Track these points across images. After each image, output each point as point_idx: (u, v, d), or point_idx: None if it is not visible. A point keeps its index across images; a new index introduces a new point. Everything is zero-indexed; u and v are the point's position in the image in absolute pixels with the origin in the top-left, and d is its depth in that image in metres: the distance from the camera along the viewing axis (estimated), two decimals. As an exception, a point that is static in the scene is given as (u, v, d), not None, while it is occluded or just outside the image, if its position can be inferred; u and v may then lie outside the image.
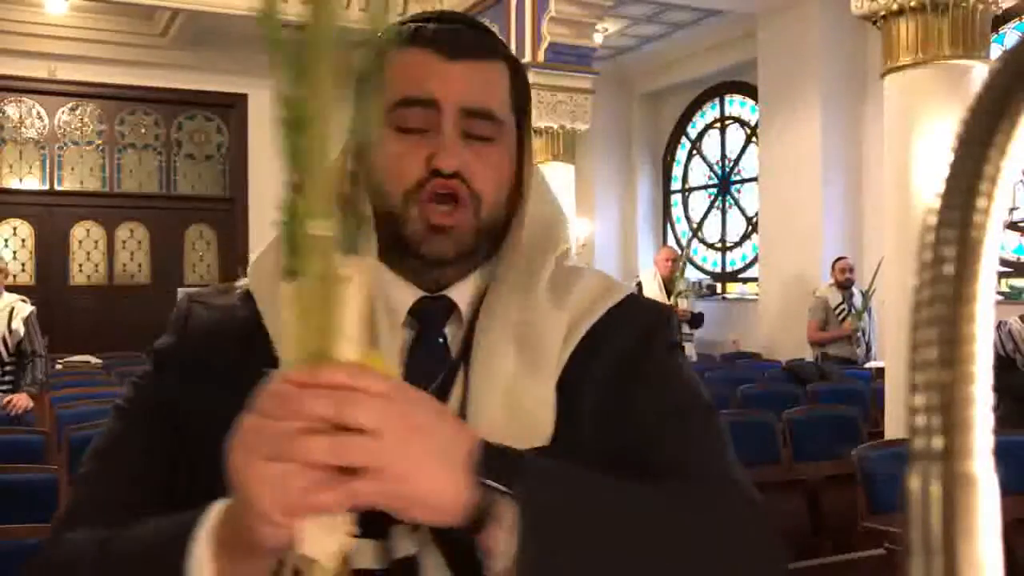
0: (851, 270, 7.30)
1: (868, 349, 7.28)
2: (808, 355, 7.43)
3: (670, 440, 0.87)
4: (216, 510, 0.70)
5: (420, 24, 0.90)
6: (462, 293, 0.91)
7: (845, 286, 7.27)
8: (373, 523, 0.74)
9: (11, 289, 5.51)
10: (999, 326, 4.73)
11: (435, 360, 0.88)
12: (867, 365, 6.99)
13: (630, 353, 0.89)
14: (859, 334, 7.21)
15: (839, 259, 7.41)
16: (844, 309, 7.24)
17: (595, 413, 0.86)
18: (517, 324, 0.87)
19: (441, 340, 0.90)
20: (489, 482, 0.68)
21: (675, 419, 0.88)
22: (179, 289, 10.36)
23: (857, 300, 7.23)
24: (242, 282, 0.93)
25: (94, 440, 0.93)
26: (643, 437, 0.86)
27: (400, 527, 0.78)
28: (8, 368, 5.17)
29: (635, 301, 0.95)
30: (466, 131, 0.87)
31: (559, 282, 0.91)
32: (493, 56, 0.90)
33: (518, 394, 0.84)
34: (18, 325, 5.19)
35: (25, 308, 5.28)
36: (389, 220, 0.87)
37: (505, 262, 0.91)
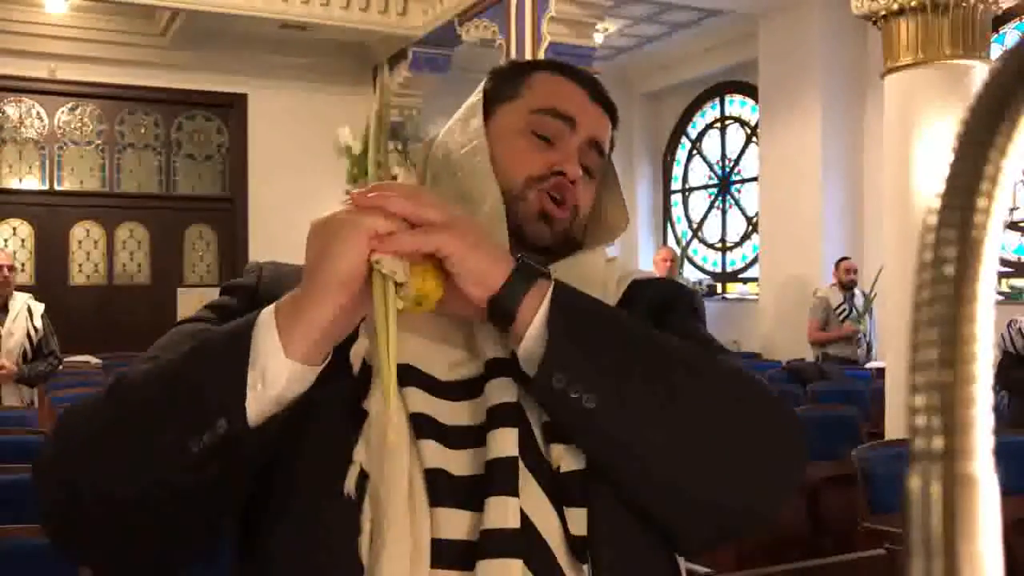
0: (855, 271, 7.31)
1: (868, 349, 7.28)
2: (808, 355, 7.43)
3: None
4: (270, 306, 0.83)
5: (568, 63, 1.13)
6: None
7: (848, 287, 7.27)
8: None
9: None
10: (1009, 324, 4.74)
11: None
12: (867, 365, 6.99)
13: (659, 306, 1.04)
14: (859, 335, 7.22)
15: (843, 259, 7.41)
16: (845, 309, 7.25)
17: None
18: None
19: None
20: (527, 260, 0.86)
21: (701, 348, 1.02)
22: (179, 289, 10.37)
23: (858, 301, 7.23)
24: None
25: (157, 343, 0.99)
26: None
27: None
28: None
29: (660, 279, 1.15)
30: (581, 160, 1.03)
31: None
32: (611, 111, 1.10)
33: None
34: (39, 323, 5.24)
35: (39, 306, 5.32)
36: (503, 198, 1.00)
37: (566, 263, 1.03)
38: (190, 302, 10.10)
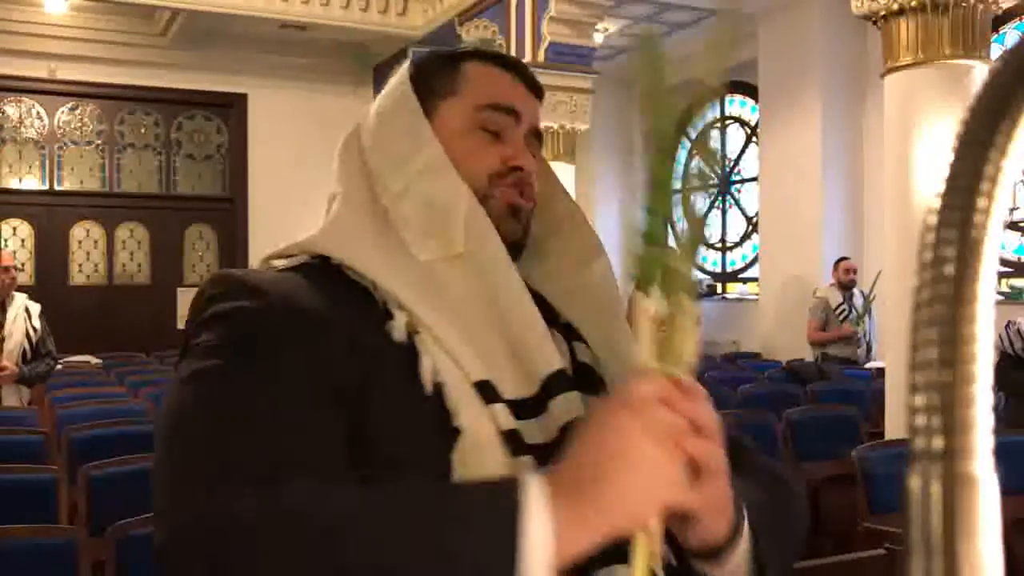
0: (854, 271, 7.30)
1: (868, 349, 7.28)
2: (808, 355, 7.43)
3: None
4: (538, 482, 0.74)
5: (492, 50, 1.13)
6: None
7: (847, 287, 7.27)
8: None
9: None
10: (1007, 325, 4.71)
11: None
12: (867, 365, 6.98)
13: None
14: (859, 335, 7.21)
15: (842, 259, 7.40)
16: (844, 310, 7.24)
17: None
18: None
19: None
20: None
21: None
22: (179, 289, 10.37)
23: (858, 301, 7.22)
24: (280, 263, 0.99)
25: (192, 394, 0.84)
26: None
27: None
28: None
29: None
30: (527, 150, 1.05)
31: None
32: (540, 95, 1.12)
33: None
34: (37, 323, 5.24)
35: (36, 306, 5.32)
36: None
37: (535, 253, 1.05)
38: (189, 302, 10.09)
